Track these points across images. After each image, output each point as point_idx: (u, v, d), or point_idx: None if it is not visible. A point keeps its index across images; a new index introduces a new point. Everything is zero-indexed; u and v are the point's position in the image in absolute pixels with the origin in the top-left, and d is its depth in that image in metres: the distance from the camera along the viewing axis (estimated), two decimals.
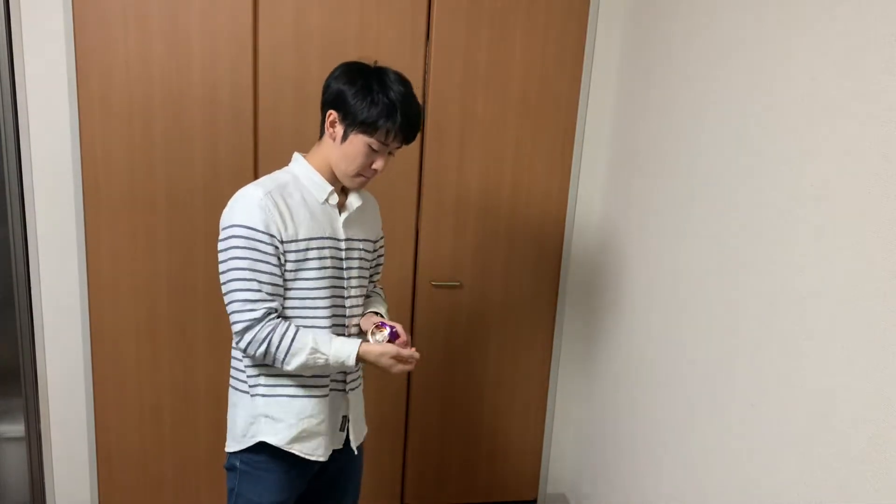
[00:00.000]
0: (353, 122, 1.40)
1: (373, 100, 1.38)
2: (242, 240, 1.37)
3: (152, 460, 2.36)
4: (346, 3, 2.13)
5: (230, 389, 1.56)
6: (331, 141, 1.46)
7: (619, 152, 2.32)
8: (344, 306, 1.54)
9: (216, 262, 1.45)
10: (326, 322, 1.50)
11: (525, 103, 2.32)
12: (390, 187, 2.27)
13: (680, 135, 1.90)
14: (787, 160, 1.40)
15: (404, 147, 1.50)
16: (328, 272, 1.49)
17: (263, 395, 1.50)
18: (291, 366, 1.42)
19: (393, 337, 1.49)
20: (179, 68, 2.08)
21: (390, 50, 2.18)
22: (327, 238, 1.48)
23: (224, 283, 1.41)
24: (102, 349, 2.23)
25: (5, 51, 1.96)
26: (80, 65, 2.03)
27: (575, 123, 2.37)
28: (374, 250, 1.68)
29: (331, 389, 1.56)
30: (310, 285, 1.46)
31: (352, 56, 1.53)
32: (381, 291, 1.79)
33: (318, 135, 1.51)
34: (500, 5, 2.22)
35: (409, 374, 2.48)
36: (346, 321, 1.56)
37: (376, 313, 1.63)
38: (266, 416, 1.50)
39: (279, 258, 1.41)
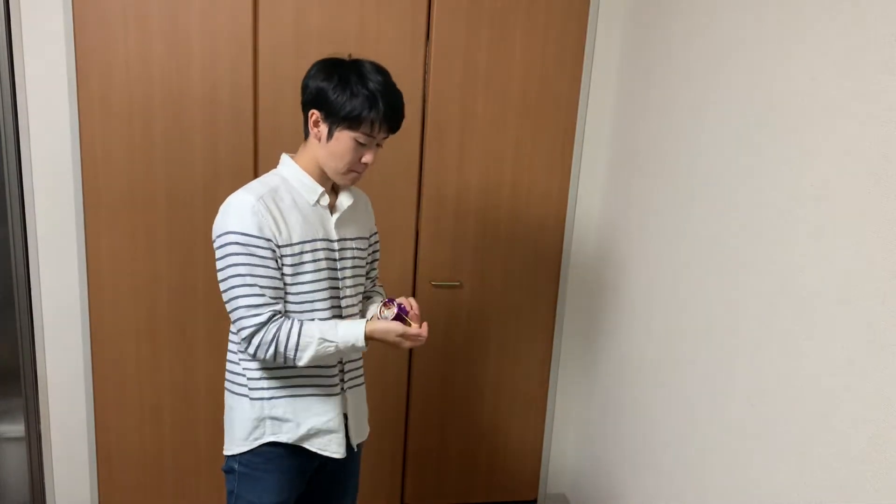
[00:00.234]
0: (336, 119, 1.39)
1: (353, 92, 1.37)
2: (239, 246, 1.36)
3: (152, 460, 2.36)
4: (346, 3, 2.13)
5: (226, 393, 1.56)
6: (316, 141, 1.44)
7: (619, 152, 2.32)
8: (340, 306, 1.54)
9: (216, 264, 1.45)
10: None
11: (525, 103, 2.32)
12: (390, 187, 2.26)
13: (680, 135, 1.90)
14: (787, 160, 1.40)
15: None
16: (324, 273, 1.48)
17: (267, 398, 1.50)
18: (304, 361, 1.41)
19: (402, 311, 1.48)
20: (179, 68, 2.08)
21: (390, 50, 2.18)
22: (320, 240, 1.47)
23: (225, 291, 1.40)
24: (102, 349, 2.23)
25: (5, 52, 1.97)
26: (80, 65, 2.03)
27: (575, 123, 2.38)
28: (369, 247, 1.67)
29: (330, 387, 1.56)
30: (307, 288, 1.46)
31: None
32: (381, 289, 1.79)
33: (304, 136, 1.49)
34: (500, 5, 2.22)
35: (409, 374, 2.48)
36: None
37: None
38: (272, 419, 1.50)
39: (277, 261, 1.40)
